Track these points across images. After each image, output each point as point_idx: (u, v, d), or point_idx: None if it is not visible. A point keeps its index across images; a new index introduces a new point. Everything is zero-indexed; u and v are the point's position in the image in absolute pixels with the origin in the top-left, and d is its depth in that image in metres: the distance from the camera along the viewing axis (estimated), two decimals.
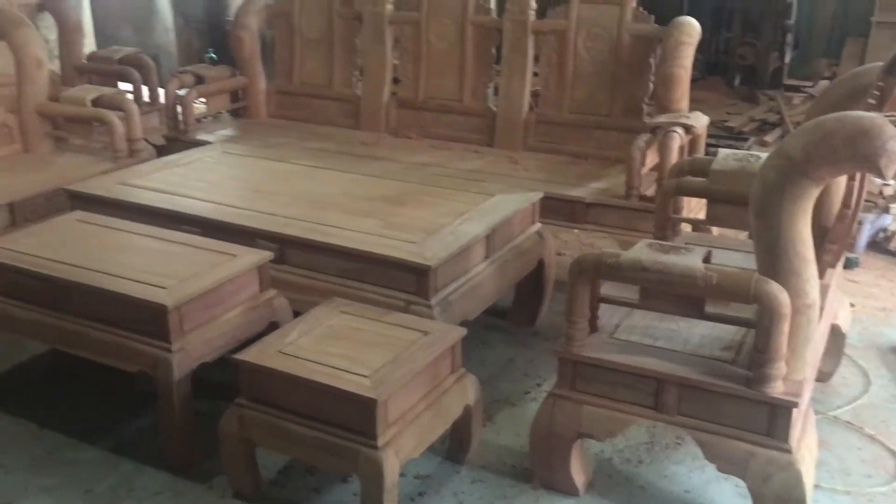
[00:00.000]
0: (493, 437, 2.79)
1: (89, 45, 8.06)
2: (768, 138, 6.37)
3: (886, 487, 2.54)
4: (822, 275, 2.32)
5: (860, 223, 4.26)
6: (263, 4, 4.96)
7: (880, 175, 1.98)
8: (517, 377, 3.19)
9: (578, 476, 2.49)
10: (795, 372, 2.19)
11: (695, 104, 7.09)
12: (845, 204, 2.28)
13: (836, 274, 2.80)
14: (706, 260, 2.23)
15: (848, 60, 7.44)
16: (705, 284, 2.11)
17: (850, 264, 4.12)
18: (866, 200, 4.35)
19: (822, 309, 2.23)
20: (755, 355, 2.15)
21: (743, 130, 6.62)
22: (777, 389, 2.14)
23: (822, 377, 3.09)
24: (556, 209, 3.66)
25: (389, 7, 4.56)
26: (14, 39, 4.13)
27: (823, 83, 7.48)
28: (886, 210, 4.31)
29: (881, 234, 4.33)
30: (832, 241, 2.33)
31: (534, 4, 4.23)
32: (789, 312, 2.08)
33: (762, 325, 2.11)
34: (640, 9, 4.05)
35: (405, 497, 2.50)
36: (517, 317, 3.61)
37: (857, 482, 2.57)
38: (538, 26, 4.23)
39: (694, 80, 8.19)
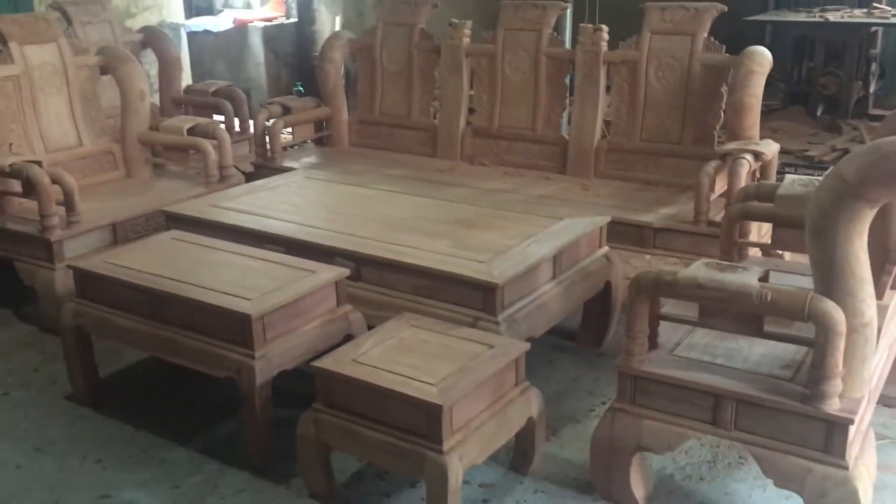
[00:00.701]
0: (556, 451, 2.88)
1: (186, 78, 8.56)
2: None
3: None
4: (881, 296, 2.35)
5: None
6: (347, 39, 5.23)
7: None
8: (582, 395, 3.27)
9: (638, 489, 2.56)
10: (853, 390, 2.23)
11: (776, 134, 7.10)
12: None
13: None
14: (763, 279, 2.30)
15: None
16: (760, 302, 2.18)
17: None
18: None
19: (880, 329, 2.26)
20: (812, 372, 2.20)
21: (823, 160, 6.55)
22: (833, 406, 2.19)
23: (892, 402, 3.08)
24: (625, 234, 3.75)
25: (467, 40, 4.75)
26: (120, 74, 4.48)
27: None
28: None
29: None
30: (893, 262, 2.35)
31: (606, 36, 4.35)
32: (844, 331, 2.13)
33: (818, 342, 2.16)
34: (713, 39, 4.12)
35: (469, 503, 2.61)
36: (584, 338, 3.69)
37: None
38: (610, 57, 4.34)
39: (776, 110, 8.22)
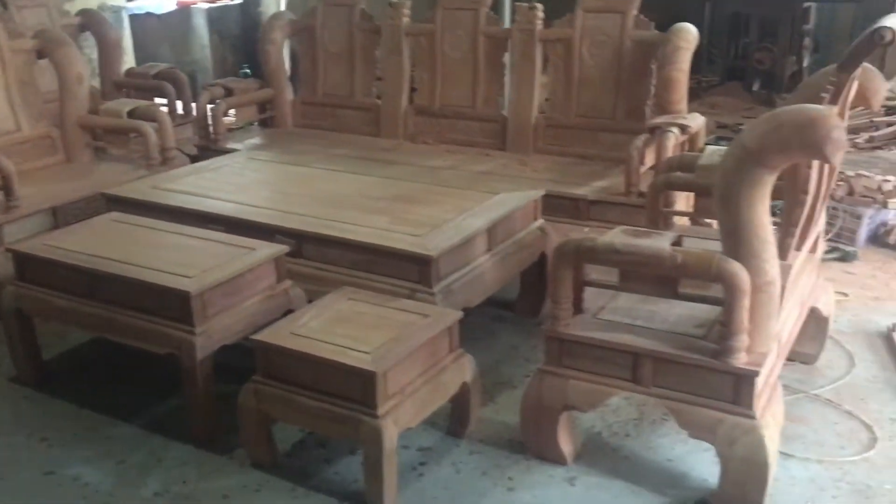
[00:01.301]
0: (493, 415, 3.01)
1: (130, 62, 8.48)
2: None
3: (857, 457, 2.71)
4: (784, 256, 2.50)
5: (858, 217, 4.41)
6: (288, 20, 5.26)
7: (827, 161, 2.17)
8: (519, 362, 3.40)
9: (566, 446, 2.70)
10: (759, 345, 2.38)
11: (713, 109, 7.28)
12: (802, 190, 2.46)
13: (814, 260, 2.98)
14: (676, 244, 2.43)
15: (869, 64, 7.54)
16: (671, 264, 2.31)
17: (848, 257, 4.26)
18: (864, 196, 4.49)
19: (783, 288, 2.40)
20: (720, 329, 2.35)
21: None
22: (740, 360, 2.33)
23: (808, 359, 3.27)
24: (561, 207, 3.87)
25: (406, 20, 4.81)
26: (57, 57, 4.46)
27: None
28: (885, 205, 4.43)
29: (882, 229, 4.46)
30: (790, 224, 2.50)
31: (541, 15, 4.46)
32: (749, 289, 2.27)
33: (725, 301, 2.30)
34: (642, 16, 4.25)
35: (408, 467, 2.73)
36: (523, 308, 3.82)
37: (830, 452, 2.74)
38: (545, 35, 4.45)
39: (713, 86, 8.41)
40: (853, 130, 6.69)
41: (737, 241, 2.30)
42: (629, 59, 4.25)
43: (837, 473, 2.64)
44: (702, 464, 2.68)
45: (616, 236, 2.43)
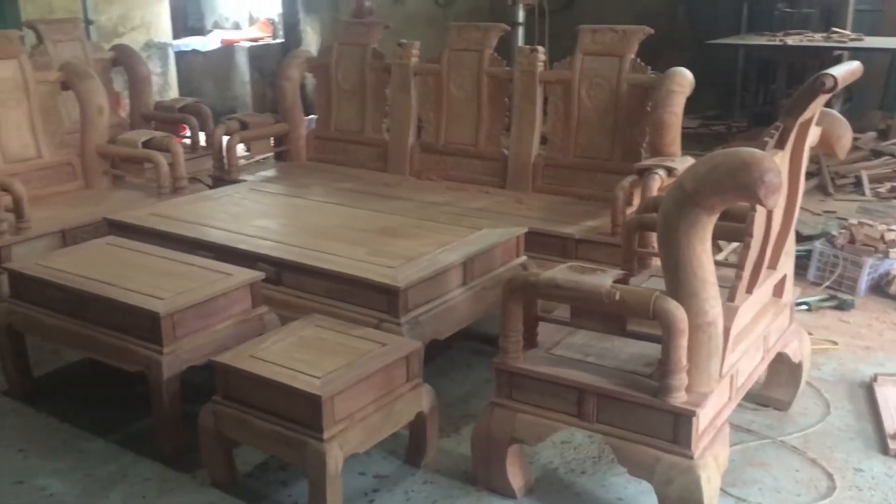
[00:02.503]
0: (454, 447, 3.04)
1: (174, 95, 8.82)
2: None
3: None
4: (732, 298, 2.50)
5: (859, 266, 4.35)
6: (305, 58, 5.45)
7: (761, 204, 2.19)
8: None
9: (516, 479, 2.71)
10: (700, 385, 2.38)
11: None
12: (747, 232, 2.47)
13: (779, 304, 2.97)
14: (621, 281, 2.46)
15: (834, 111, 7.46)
16: (609, 301, 2.34)
17: (845, 305, 4.20)
18: (866, 244, 4.43)
19: (727, 329, 2.41)
20: (659, 368, 2.36)
21: None
22: (679, 399, 2.34)
23: (781, 405, 3.23)
24: (549, 245, 3.91)
25: (415, 59, 4.95)
26: (80, 90, 4.70)
27: (871, 135, 7.51)
28: (887, 255, 4.37)
29: (884, 279, 4.39)
30: (738, 267, 2.51)
31: (542, 57, 4.55)
32: (686, 328, 2.29)
33: (663, 339, 2.32)
34: (640, 60, 4.30)
35: (360, 493, 2.78)
36: None
37: (786, 499, 2.70)
38: (546, 76, 4.53)
39: (740, 130, 8.37)
40: (877, 180, 6.62)
41: (676, 281, 2.32)
42: (625, 102, 4.30)
43: None
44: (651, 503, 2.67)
45: (559, 272, 2.47)
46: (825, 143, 2.82)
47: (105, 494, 2.79)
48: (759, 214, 2.44)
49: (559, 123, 4.52)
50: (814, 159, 7.10)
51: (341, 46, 5.25)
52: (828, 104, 8.25)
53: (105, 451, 3.03)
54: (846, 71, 2.51)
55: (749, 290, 2.59)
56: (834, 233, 4.71)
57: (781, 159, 2.47)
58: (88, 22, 7.08)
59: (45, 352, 3.67)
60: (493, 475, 2.71)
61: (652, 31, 4.31)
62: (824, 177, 6.56)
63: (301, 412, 2.52)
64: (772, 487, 2.76)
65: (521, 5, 5.87)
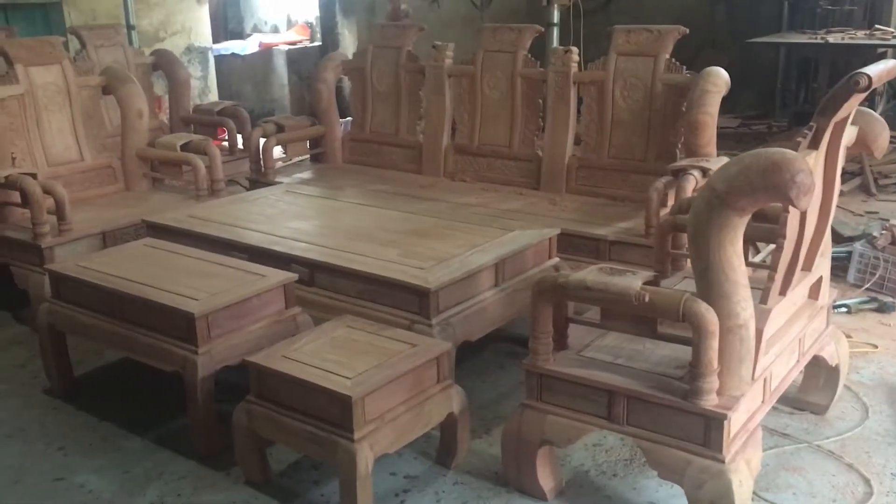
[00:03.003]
0: (485, 448, 3.04)
1: (214, 98, 8.96)
2: (845, 187, 6.32)
3: None
4: (764, 300, 2.47)
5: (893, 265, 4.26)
6: (341, 61, 5.49)
7: (792, 204, 2.16)
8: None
9: (546, 481, 2.71)
10: (731, 388, 2.36)
11: None
12: (780, 233, 2.43)
13: (815, 306, 2.92)
14: (652, 283, 2.44)
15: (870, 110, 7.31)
16: (639, 302, 2.33)
17: (886, 308, 4.12)
18: None
19: (760, 332, 2.38)
20: (690, 370, 2.34)
21: None
22: (710, 402, 2.32)
23: (818, 409, 3.18)
24: (583, 247, 3.90)
25: (449, 61, 4.96)
26: (120, 94, 4.79)
27: None
28: None
29: None
30: (771, 268, 2.48)
31: (576, 58, 4.53)
32: (716, 330, 2.26)
33: (693, 342, 2.30)
34: (674, 60, 4.26)
35: (391, 493, 2.79)
36: None
37: None
38: (579, 77, 4.52)
39: (781, 130, 8.24)
40: None
41: (707, 283, 2.30)
42: (660, 102, 4.27)
43: None
44: None
45: (590, 273, 2.46)
46: (862, 142, 2.77)
47: (142, 492, 2.84)
48: (793, 215, 2.40)
49: (593, 124, 4.50)
50: (856, 159, 6.98)
51: (376, 49, 5.28)
52: (870, 103, 8.14)
53: (142, 449, 3.09)
54: (882, 70, 2.47)
55: (783, 292, 2.55)
56: (875, 234, 4.62)
57: (815, 160, 2.44)
58: (130, 27, 7.22)
59: (86, 351, 3.75)
60: (524, 477, 2.71)
61: (687, 30, 4.27)
62: (867, 177, 6.44)
63: (332, 412, 2.55)
64: (806, 492, 2.72)
65: (555, 6, 5.84)
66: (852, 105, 2.54)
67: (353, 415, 2.50)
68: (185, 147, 4.76)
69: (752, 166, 2.18)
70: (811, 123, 2.42)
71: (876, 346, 3.74)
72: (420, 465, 2.94)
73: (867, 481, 2.77)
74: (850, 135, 2.73)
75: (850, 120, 2.64)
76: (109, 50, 5.81)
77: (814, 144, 2.40)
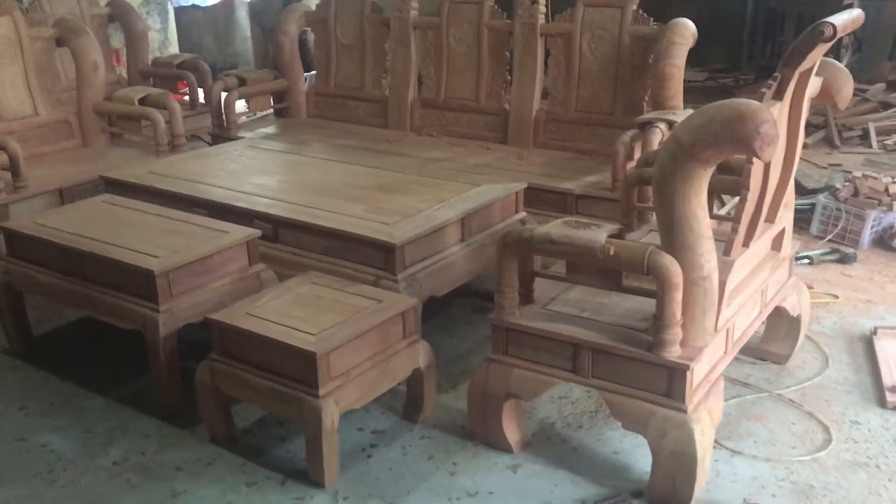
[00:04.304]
0: (452, 402, 3.04)
1: (174, 51, 8.72)
2: (809, 140, 6.36)
3: (807, 457, 2.67)
4: (727, 252, 2.48)
5: (863, 219, 4.31)
6: (303, 12, 5.37)
7: (756, 156, 2.15)
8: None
9: (512, 434, 2.72)
10: (695, 339, 2.37)
11: None
12: (744, 185, 2.43)
13: (777, 258, 2.94)
14: (616, 236, 2.44)
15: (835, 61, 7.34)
16: (603, 255, 2.32)
17: (847, 259, 4.18)
18: (870, 197, 4.39)
19: (723, 284, 2.39)
20: (653, 322, 2.35)
21: None
22: (673, 353, 2.33)
23: (779, 359, 3.23)
24: (549, 201, 3.89)
25: (414, 13, 4.87)
26: (74, 46, 4.65)
27: (879, 86, 7.39)
28: (891, 207, 4.32)
29: (888, 232, 4.35)
30: (734, 220, 2.48)
31: (543, 9, 4.46)
32: (680, 282, 2.27)
33: (658, 294, 2.30)
34: (641, 11, 4.22)
35: (358, 448, 2.79)
36: None
37: (781, 452, 2.71)
38: (546, 29, 4.46)
39: (747, 83, 8.25)
40: (885, 132, 6.53)
41: (672, 235, 2.30)
42: (627, 55, 4.23)
43: (783, 472, 2.61)
44: (646, 457, 2.66)
45: (555, 227, 2.44)
46: (826, 93, 2.77)
47: (105, 451, 2.81)
48: (756, 167, 2.40)
49: (560, 77, 4.46)
50: (821, 112, 7.01)
51: (340, 0, 5.16)
52: (836, 55, 8.14)
53: (105, 409, 3.05)
54: (846, 19, 2.45)
55: (746, 244, 2.56)
56: (838, 186, 4.66)
57: (779, 111, 2.43)
58: None
59: (46, 310, 3.68)
60: (490, 430, 2.72)
61: None
62: (831, 129, 6.47)
63: (297, 369, 2.53)
64: (767, 440, 2.77)
65: None
66: (817, 55, 2.52)
67: (318, 371, 2.48)
68: (143, 101, 4.65)
69: (716, 117, 2.16)
70: (776, 74, 2.41)
71: (837, 297, 3.80)
72: (387, 420, 2.94)
73: (826, 429, 2.82)
74: (814, 86, 2.72)
75: (814, 71, 2.63)
76: (63, 1, 5.61)
77: (778, 95, 2.39)
